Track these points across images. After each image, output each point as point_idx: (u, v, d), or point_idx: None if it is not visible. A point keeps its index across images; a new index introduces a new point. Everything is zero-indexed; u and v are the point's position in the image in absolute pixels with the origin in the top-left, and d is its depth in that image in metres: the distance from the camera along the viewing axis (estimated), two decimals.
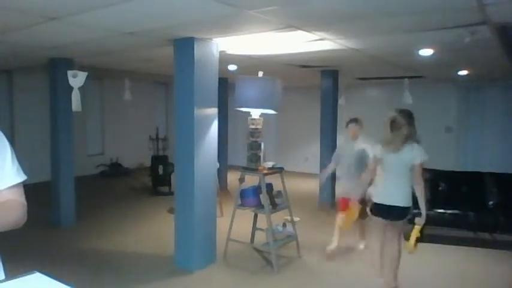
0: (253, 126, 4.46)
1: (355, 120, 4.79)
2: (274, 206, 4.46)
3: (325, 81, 7.40)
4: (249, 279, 4.21)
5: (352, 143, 4.73)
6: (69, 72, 4.95)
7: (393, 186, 3.52)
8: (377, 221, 3.70)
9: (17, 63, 6.92)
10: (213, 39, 4.28)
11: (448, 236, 5.34)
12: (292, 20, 3.45)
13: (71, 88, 4.97)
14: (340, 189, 4.69)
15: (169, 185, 8.03)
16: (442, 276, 4.27)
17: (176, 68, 4.32)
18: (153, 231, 5.80)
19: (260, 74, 4.52)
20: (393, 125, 3.50)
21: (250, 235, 4.80)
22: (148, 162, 8.93)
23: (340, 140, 4.91)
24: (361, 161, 4.48)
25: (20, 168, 1.52)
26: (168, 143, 10.04)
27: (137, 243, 5.24)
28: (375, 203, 3.61)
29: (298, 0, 2.88)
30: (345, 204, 4.38)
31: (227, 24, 3.62)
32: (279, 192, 4.65)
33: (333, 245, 4.66)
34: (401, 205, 3.49)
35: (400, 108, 3.63)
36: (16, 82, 8.72)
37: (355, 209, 4.00)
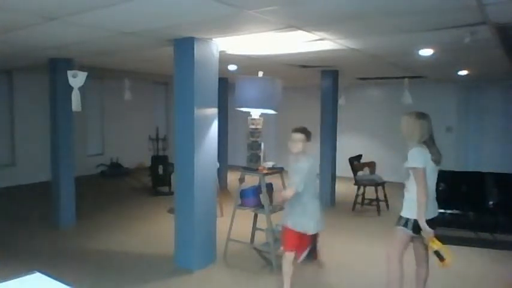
0: (253, 126, 4.46)
1: (302, 131, 3.52)
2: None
3: (325, 81, 7.41)
4: (249, 279, 4.21)
5: (294, 160, 3.54)
6: (69, 72, 4.95)
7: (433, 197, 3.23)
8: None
9: (17, 63, 6.92)
10: (213, 39, 4.28)
11: (448, 236, 5.32)
12: (292, 20, 3.45)
13: (71, 88, 4.97)
14: (288, 217, 3.58)
15: (169, 185, 8.04)
16: (442, 276, 4.26)
17: (176, 68, 4.32)
18: (153, 231, 5.80)
19: (260, 74, 4.52)
20: (426, 132, 3.14)
21: (250, 235, 4.80)
22: (148, 162, 8.93)
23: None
24: (306, 183, 3.41)
25: None
26: (168, 143, 10.04)
27: (137, 243, 5.24)
28: (428, 220, 3.08)
29: (298, 0, 2.88)
30: (298, 241, 3.51)
31: (227, 24, 3.62)
32: None
33: None
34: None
35: (413, 111, 3.25)
36: (16, 82, 8.72)
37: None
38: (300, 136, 3.48)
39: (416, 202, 3.07)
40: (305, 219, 3.48)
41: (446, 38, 4.04)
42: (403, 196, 3.27)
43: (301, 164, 3.42)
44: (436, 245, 3.09)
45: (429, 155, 3.10)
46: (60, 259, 4.62)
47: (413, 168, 3.08)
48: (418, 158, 3.08)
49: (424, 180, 3.06)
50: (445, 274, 4.31)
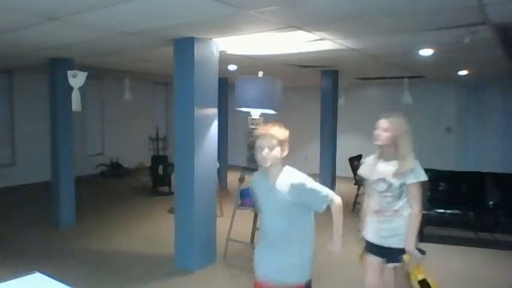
0: (253, 126, 4.46)
1: (275, 134, 2.26)
2: None
3: (325, 81, 7.41)
4: (249, 279, 4.19)
5: (267, 176, 2.32)
6: (69, 72, 4.96)
7: None
8: None
9: (17, 63, 6.92)
10: (213, 39, 4.29)
11: (448, 236, 5.34)
12: (292, 20, 3.45)
13: (71, 88, 4.98)
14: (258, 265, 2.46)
15: (169, 185, 8.04)
16: (442, 276, 4.25)
17: (176, 68, 4.32)
18: (153, 231, 5.80)
19: (260, 74, 4.52)
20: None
21: (250, 235, 4.80)
22: (148, 162, 8.93)
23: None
24: (292, 215, 2.34)
25: None
26: (168, 143, 10.06)
27: (137, 243, 5.24)
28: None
29: (298, 0, 2.88)
30: None
31: (227, 24, 3.62)
32: None
33: None
34: None
35: (398, 113, 2.97)
36: (16, 82, 8.72)
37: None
38: (274, 141, 2.21)
39: (411, 226, 2.66)
40: (255, 258, 2.43)
41: (446, 38, 4.03)
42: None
43: (306, 181, 2.31)
44: (420, 273, 2.63)
45: None
46: (60, 259, 4.61)
47: (418, 184, 2.67)
48: (422, 169, 2.67)
49: None
50: (444, 274, 4.32)
